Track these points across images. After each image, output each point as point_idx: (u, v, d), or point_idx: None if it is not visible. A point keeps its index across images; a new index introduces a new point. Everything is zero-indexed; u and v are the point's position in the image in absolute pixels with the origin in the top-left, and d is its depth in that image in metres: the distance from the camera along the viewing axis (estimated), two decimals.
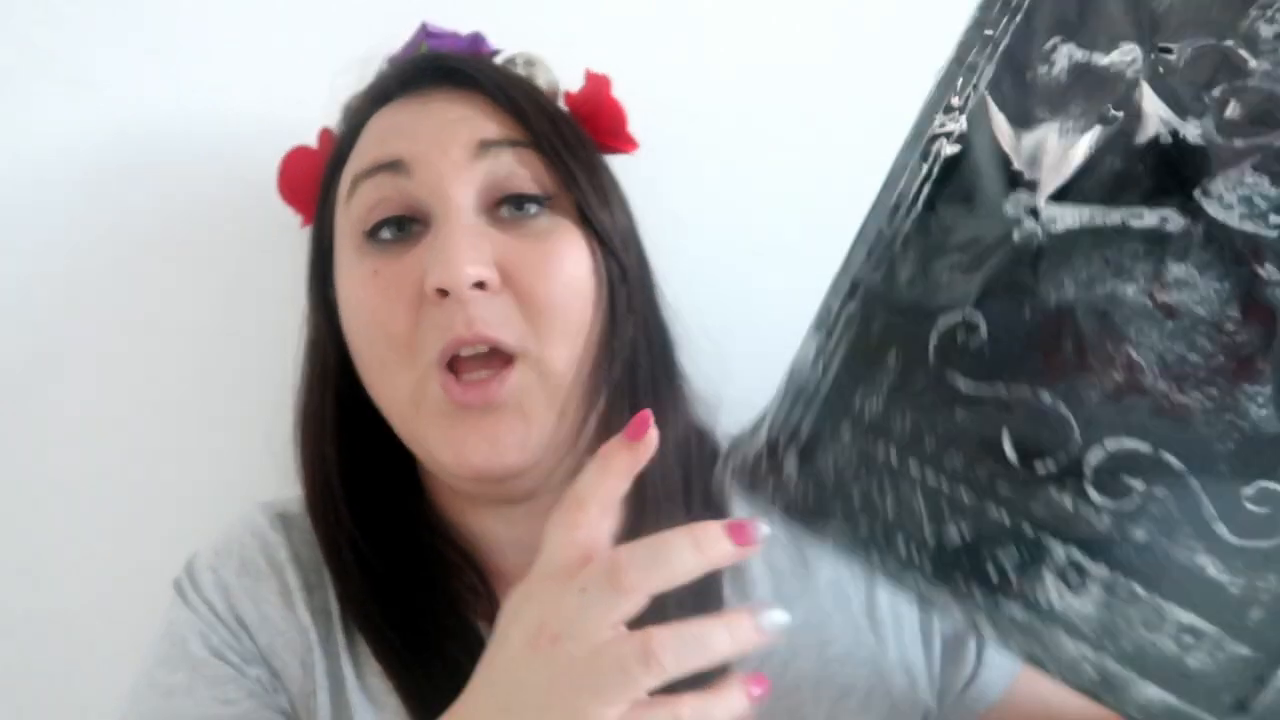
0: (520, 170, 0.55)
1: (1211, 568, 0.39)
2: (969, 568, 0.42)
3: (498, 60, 0.64)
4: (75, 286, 0.74)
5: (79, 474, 0.74)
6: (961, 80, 0.39)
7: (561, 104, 0.63)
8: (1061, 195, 0.39)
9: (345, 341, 0.58)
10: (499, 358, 0.53)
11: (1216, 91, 0.37)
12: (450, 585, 0.58)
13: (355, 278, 0.56)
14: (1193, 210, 0.37)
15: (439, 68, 0.59)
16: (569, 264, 0.55)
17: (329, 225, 0.60)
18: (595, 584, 0.38)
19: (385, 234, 0.56)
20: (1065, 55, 0.38)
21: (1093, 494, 0.40)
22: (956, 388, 0.41)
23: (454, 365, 0.54)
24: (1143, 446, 0.39)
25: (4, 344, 0.74)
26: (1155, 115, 0.37)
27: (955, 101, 0.39)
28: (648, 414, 0.41)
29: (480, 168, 0.55)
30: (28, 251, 0.74)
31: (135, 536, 0.74)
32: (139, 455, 0.75)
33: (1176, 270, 0.38)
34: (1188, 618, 0.40)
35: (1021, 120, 0.39)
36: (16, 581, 0.73)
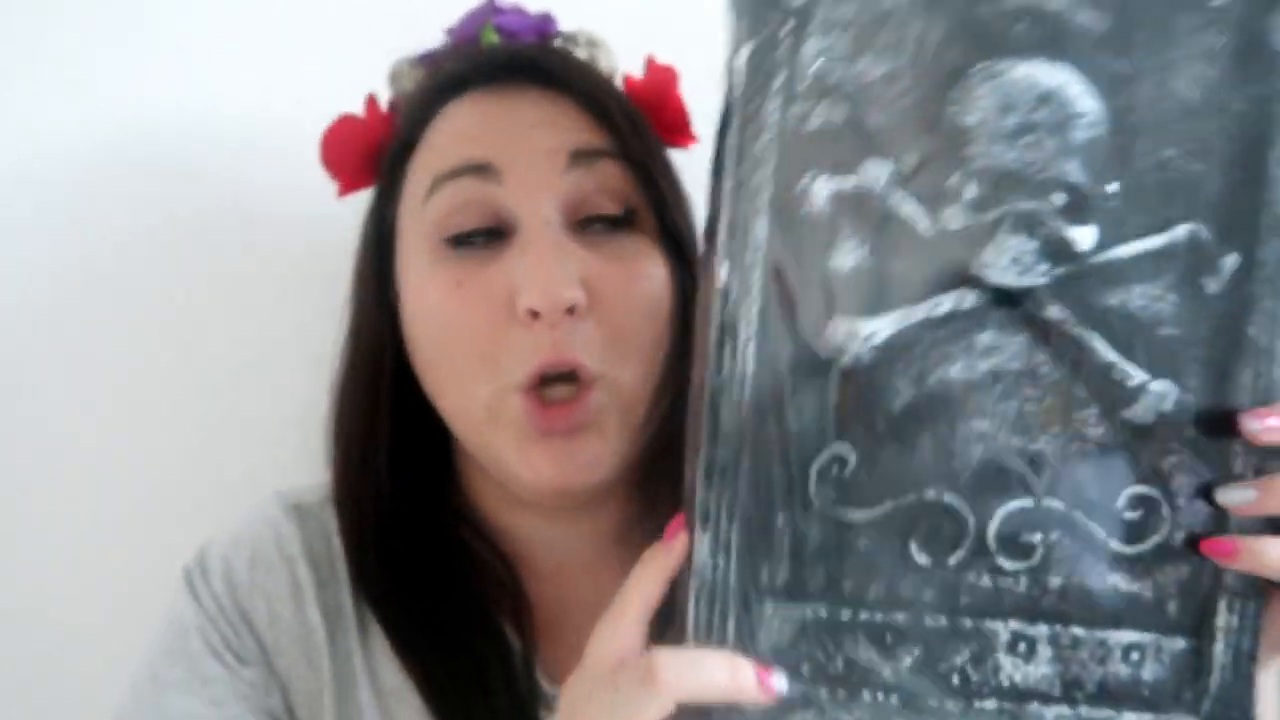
0: (608, 183, 0.54)
1: (1122, 583, 0.42)
2: (933, 684, 0.41)
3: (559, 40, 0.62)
4: (76, 286, 0.73)
5: (78, 474, 0.73)
6: (737, 241, 0.40)
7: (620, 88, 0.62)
8: (869, 310, 0.41)
9: (405, 342, 0.57)
10: (579, 380, 0.53)
11: (954, 180, 0.41)
12: (479, 582, 0.57)
13: (436, 287, 0.54)
14: (978, 283, 0.41)
15: (526, 64, 0.56)
16: (650, 285, 0.55)
17: (390, 218, 0.58)
18: (629, 682, 0.39)
19: (465, 242, 0.54)
20: (820, 188, 0.40)
21: (1004, 564, 0.42)
22: (850, 521, 0.41)
23: (533, 385, 0.52)
24: (1026, 502, 0.42)
25: (3, 345, 0.73)
26: (915, 218, 0.41)
27: (749, 261, 0.40)
28: (680, 519, 0.41)
29: (570, 179, 0.53)
30: (27, 251, 0.73)
31: (138, 536, 0.73)
32: (138, 456, 0.74)
33: (984, 339, 0.41)
34: (1126, 636, 0.42)
35: (812, 257, 0.40)
36: (18, 583, 0.73)
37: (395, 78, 0.64)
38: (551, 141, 0.53)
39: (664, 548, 0.41)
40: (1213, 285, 0.42)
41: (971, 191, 0.41)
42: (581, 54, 0.61)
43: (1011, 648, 0.41)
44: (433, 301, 0.54)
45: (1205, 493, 0.42)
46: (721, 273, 0.40)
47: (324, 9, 0.75)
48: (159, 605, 0.59)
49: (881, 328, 0.40)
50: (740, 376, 0.40)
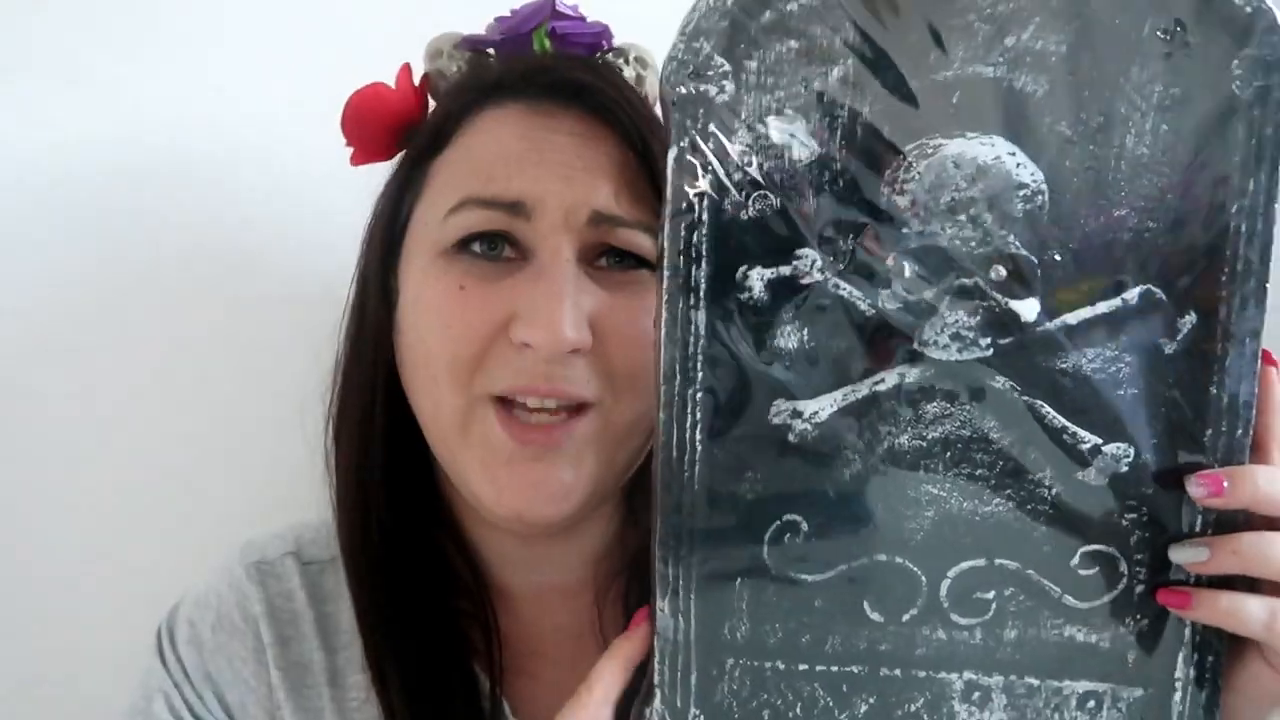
0: (628, 245, 0.53)
1: (1079, 634, 0.43)
2: None
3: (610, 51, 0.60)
4: (75, 287, 0.73)
5: (76, 474, 0.74)
6: (680, 333, 0.42)
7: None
8: (812, 390, 0.42)
9: (396, 335, 0.56)
10: (569, 407, 0.52)
11: (890, 261, 0.41)
12: (455, 606, 0.58)
13: (439, 286, 0.53)
14: (920, 359, 0.42)
15: (577, 88, 0.54)
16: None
17: (404, 211, 0.57)
18: None
19: (477, 247, 0.53)
20: (757, 277, 0.42)
21: (957, 619, 0.43)
22: (804, 582, 0.43)
23: (508, 401, 0.52)
24: (978, 562, 0.43)
25: (2, 345, 0.73)
26: (853, 299, 0.42)
27: (693, 349, 0.42)
28: (644, 611, 0.44)
29: (592, 231, 0.52)
30: (27, 252, 0.72)
31: (138, 536, 0.74)
32: (137, 456, 0.74)
33: (932, 409, 0.42)
34: (1082, 686, 0.44)
35: (753, 342, 0.42)
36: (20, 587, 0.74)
37: (434, 55, 0.61)
38: (582, 194, 0.52)
39: (628, 637, 0.44)
40: (1170, 346, 0.41)
41: (909, 271, 0.41)
42: (629, 72, 0.60)
43: (966, 697, 0.44)
44: (431, 300, 0.53)
45: (1164, 548, 0.42)
46: (664, 359, 0.42)
47: (325, 9, 0.74)
48: (159, 605, 0.61)
49: (824, 407, 0.42)
50: (690, 458, 0.43)
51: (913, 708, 0.44)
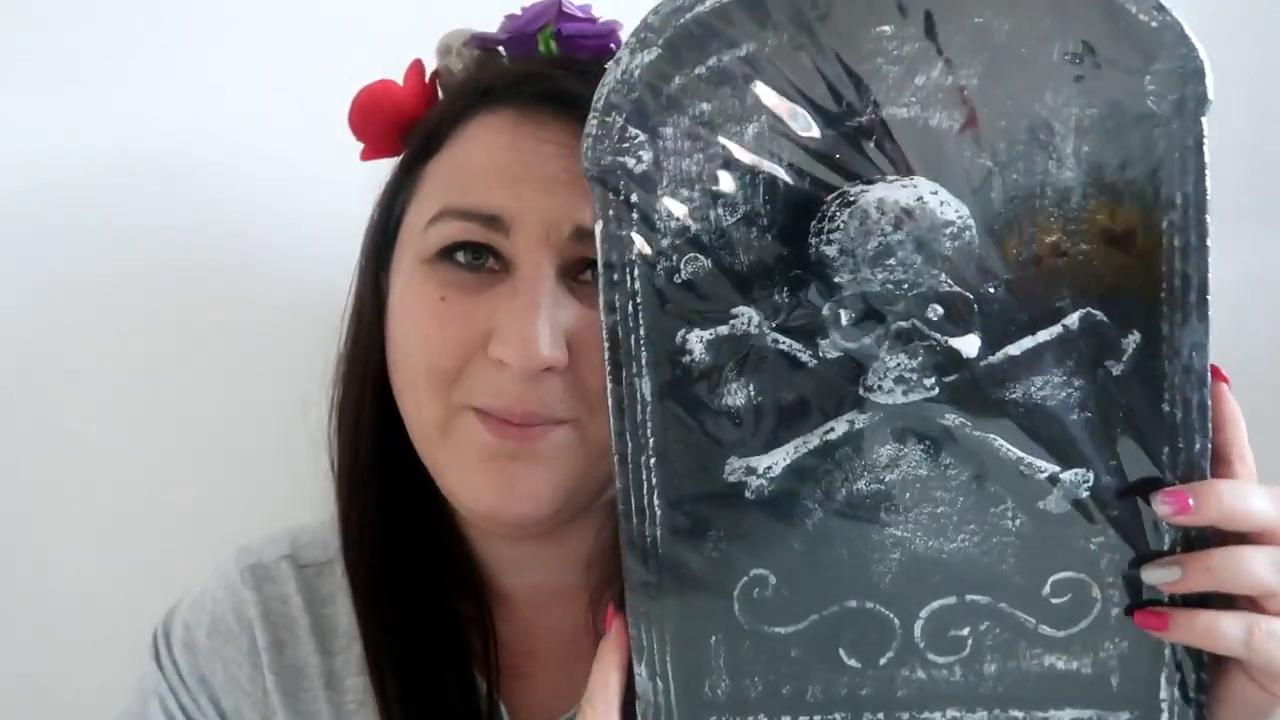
0: None
1: (1060, 662, 0.43)
2: None
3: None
4: (75, 287, 0.74)
5: (75, 475, 0.75)
6: (628, 401, 0.42)
7: None
8: (763, 444, 0.42)
9: (385, 336, 0.56)
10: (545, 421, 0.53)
11: (826, 310, 0.41)
12: (452, 608, 0.58)
13: (419, 297, 0.53)
14: (867, 404, 0.42)
15: (563, 96, 0.53)
16: None
17: (397, 214, 0.57)
18: None
19: (460, 256, 0.53)
20: (696, 340, 0.42)
21: (935, 659, 0.43)
22: (778, 634, 0.43)
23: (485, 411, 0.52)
24: (949, 600, 0.43)
25: (2, 345, 0.74)
26: (794, 352, 0.42)
27: (641, 416, 0.42)
28: (611, 610, 0.44)
29: (574, 247, 0.51)
30: (27, 252, 0.73)
31: (138, 538, 0.75)
32: (136, 457, 0.75)
33: (885, 452, 0.42)
34: (1068, 714, 0.43)
35: (700, 403, 0.42)
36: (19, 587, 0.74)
37: (444, 52, 0.60)
38: (565, 208, 0.51)
39: (610, 640, 0.44)
40: (1117, 367, 0.41)
41: (845, 318, 0.41)
42: None
43: None
44: (413, 307, 0.54)
45: (1136, 569, 0.42)
46: (614, 428, 0.42)
47: (325, 10, 0.75)
48: (157, 607, 0.62)
49: (777, 461, 0.42)
50: (650, 522, 0.43)
51: None
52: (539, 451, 0.52)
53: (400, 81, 0.60)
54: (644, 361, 0.42)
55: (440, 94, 0.60)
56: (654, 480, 0.43)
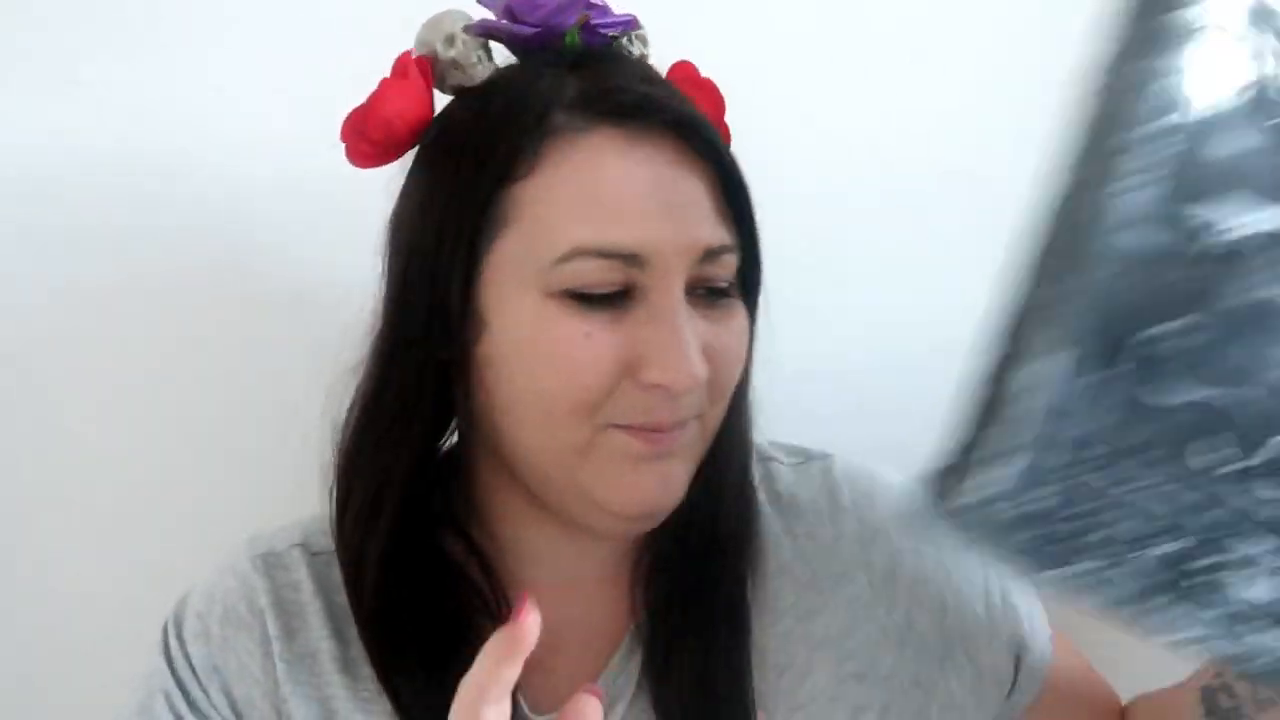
0: (726, 268, 0.56)
1: None
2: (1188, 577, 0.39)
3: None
4: (75, 287, 0.74)
5: (78, 474, 0.75)
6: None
7: None
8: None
9: (471, 365, 0.56)
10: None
11: None
12: (466, 607, 0.59)
13: (561, 333, 0.53)
14: None
15: (671, 115, 0.54)
16: (744, 340, 0.58)
17: (489, 238, 0.54)
18: None
19: (596, 290, 0.53)
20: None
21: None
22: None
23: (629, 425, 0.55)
24: None
25: (3, 344, 0.74)
26: None
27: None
28: (525, 595, 0.45)
29: (700, 268, 0.54)
30: (27, 252, 0.73)
31: (142, 540, 0.75)
32: (138, 455, 0.75)
33: None
34: None
35: None
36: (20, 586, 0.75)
37: (445, 41, 0.57)
38: (693, 234, 0.53)
39: (511, 627, 0.44)
40: None
41: None
42: (635, 50, 0.60)
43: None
44: (554, 345, 0.53)
45: None
46: None
47: (325, 10, 0.75)
48: (160, 605, 0.61)
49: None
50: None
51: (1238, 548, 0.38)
52: (678, 449, 0.56)
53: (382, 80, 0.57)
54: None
55: (438, 88, 0.58)
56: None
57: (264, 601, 0.59)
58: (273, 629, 0.59)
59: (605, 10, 0.58)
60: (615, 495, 0.54)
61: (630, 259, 0.52)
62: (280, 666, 0.58)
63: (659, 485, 0.55)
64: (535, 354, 0.53)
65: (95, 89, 0.73)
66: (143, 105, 0.74)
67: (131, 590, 0.72)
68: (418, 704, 0.56)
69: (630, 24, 0.59)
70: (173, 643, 0.60)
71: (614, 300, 0.53)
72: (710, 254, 0.54)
